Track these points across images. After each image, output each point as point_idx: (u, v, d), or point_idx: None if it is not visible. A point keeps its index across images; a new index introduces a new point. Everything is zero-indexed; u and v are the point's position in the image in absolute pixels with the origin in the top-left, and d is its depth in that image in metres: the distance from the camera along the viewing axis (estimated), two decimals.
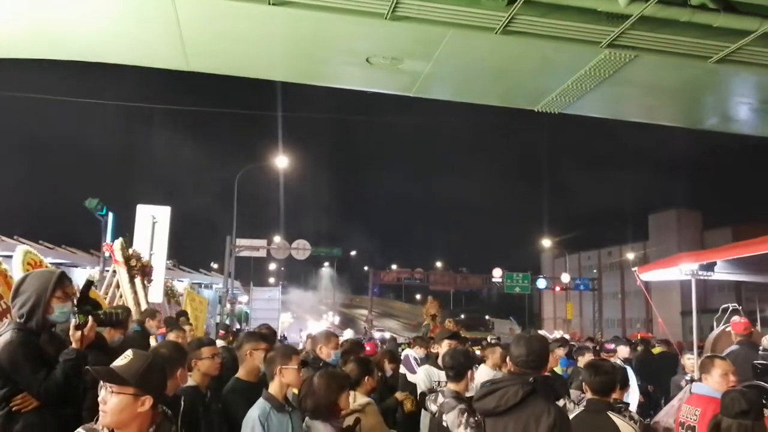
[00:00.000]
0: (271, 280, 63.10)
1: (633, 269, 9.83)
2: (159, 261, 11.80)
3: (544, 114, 9.88)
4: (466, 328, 30.70)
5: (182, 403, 4.09)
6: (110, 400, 2.61)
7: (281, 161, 31.10)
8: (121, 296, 10.06)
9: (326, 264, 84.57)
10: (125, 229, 12.42)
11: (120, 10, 7.43)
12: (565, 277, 47.49)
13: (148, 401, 2.67)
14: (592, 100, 9.33)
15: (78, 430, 2.74)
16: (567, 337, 31.29)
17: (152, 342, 7.14)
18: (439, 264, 65.75)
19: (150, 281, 10.61)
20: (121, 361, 2.68)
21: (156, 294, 11.76)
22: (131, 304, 9.51)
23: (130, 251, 10.37)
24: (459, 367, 5.15)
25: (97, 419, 2.72)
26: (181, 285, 22.85)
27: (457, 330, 10.97)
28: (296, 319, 55.91)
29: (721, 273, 8.79)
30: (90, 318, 3.91)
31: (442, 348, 6.45)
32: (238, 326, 27.17)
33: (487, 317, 50.61)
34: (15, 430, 3.64)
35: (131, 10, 7.45)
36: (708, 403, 4.71)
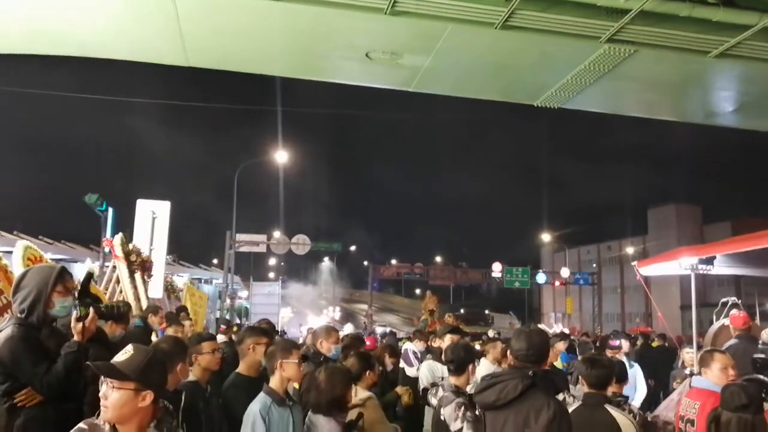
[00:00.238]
0: (271, 275, 63.05)
1: (633, 263, 9.84)
2: (159, 256, 11.81)
3: (543, 109, 9.88)
4: (466, 323, 30.63)
5: (183, 398, 4.10)
6: (111, 395, 2.62)
7: (281, 156, 31.07)
8: (121, 291, 10.07)
9: (326, 259, 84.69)
10: (125, 225, 12.42)
11: (119, 6, 7.43)
12: (565, 272, 47.47)
13: (149, 396, 2.68)
14: (592, 95, 9.33)
15: (79, 425, 2.75)
16: (566, 331, 31.37)
17: (153, 338, 7.16)
18: (438, 259, 65.75)
19: (150, 276, 10.62)
20: (121, 357, 2.69)
21: (156, 289, 11.77)
22: (131, 300, 9.52)
23: (130, 246, 10.37)
24: (459, 361, 5.17)
25: (98, 414, 2.73)
26: (180, 280, 22.88)
27: (458, 324, 10.97)
28: (296, 313, 56.04)
29: (721, 267, 8.81)
30: (91, 310, 3.93)
31: (444, 342, 6.46)
32: (238, 321, 27.17)
33: (486, 312, 50.61)
34: (17, 424, 3.66)
35: (130, 6, 7.45)
36: (707, 397, 4.72)
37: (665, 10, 6.97)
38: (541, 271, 50.74)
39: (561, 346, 8.25)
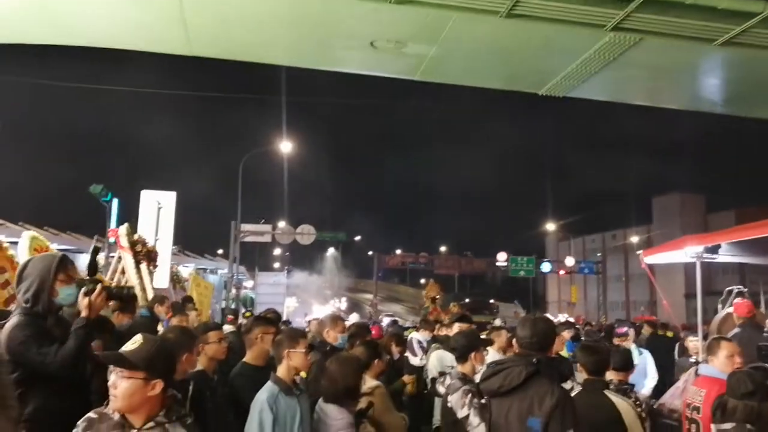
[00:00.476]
0: (276, 265, 63.13)
1: (638, 252, 9.85)
2: (164, 246, 11.84)
3: (548, 97, 9.85)
4: (471, 312, 30.62)
5: (190, 387, 4.13)
6: (121, 384, 2.64)
7: (285, 146, 31.07)
8: (126, 282, 10.11)
9: (331, 249, 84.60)
10: (130, 215, 12.44)
11: None
12: (570, 261, 47.49)
13: (158, 385, 2.69)
14: (597, 84, 9.30)
15: (89, 414, 2.77)
16: (572, 320, 31.38)
17: (160, 328, 7.19)
18: (443, 248, 65.78)
19: (155, 266, 10.64)
20: (130, 346, 2.71)
21: (161, 279, 11.80)
22: (137, 290, 9.54)
23: (136, 237, 10.39)
24: (461, 348, 5.23)
25: (107, 403, 2.75)
26: (186, 270, 22.93)
27: (464, 312, 11.00)
28: (301, 303, 56.11)
29: (726, 255, 8.81)
30: (99, 286, 3.98)
31: (453, 331, 6.48)
32: (244, 310, 27.26)
33: (492, 301, 50.56)
34: (26, 413, 3.68)
35: None
36: (713, 384, 4.74)
37: None
38: (546, 260, 50.76)
39: (566, 335, 8.26)
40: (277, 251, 64.36)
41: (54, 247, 8.54)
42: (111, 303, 4.30)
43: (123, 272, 10.17)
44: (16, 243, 7.88)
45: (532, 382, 3.52)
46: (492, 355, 7.08)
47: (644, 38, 7.65)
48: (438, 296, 26.95)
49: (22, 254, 7.13)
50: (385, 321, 31.36)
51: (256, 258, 53.25)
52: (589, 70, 8.61)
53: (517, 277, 47.67)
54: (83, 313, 3.90)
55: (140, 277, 10.00)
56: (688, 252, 8.56)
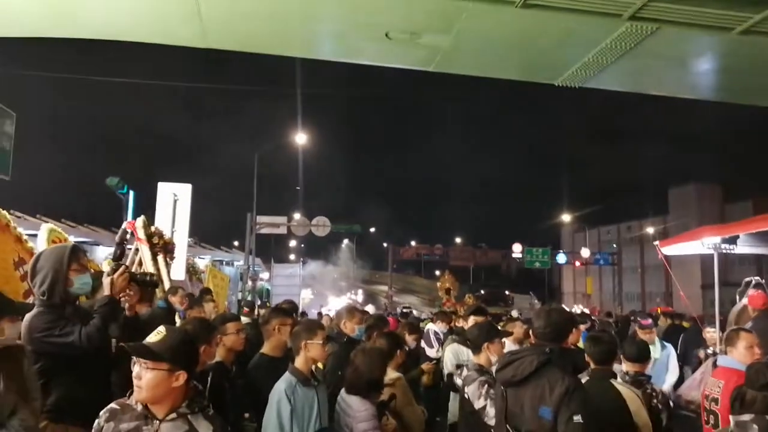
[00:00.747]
0: (292, 256, 63.38)
1: (654, 243, 9.81)
2: (181, 238, 11.89)
3: (564, 88, 9.79)
4: (486, 304, 30.64)
5: (209, 378, 4.17)
6: (145, 375, 2.66)
7: (300, 138, 31.11)
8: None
9: (346, 240, 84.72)
10: (146, 207, 12.50)
11: None
12: (585, 252, 47.36)
13: (182, 376, 2.72)
14: (613, 74, 9.21)
15: (111, 405, 2.80)
16: (587, 311, 31.28)
17: (177, 320, 7.23)
18: (458, 240, 65.59)
19: (172, 258, 10.69)
20: (154, 337, 2.73)
21: (178, 271, 11.86)
22: None
23: (152, 229, 10.44)
24: (475, 340, 5.26)
25: (130, 394, 2.78)
26: (202, 262, 23.05)
27: (479, 304, 11.02)
28: (316, 295, 56.27)
29: (744, 246, 8.75)
30: (122, 267, 4.03)
31: (468, 323, 6.47)
32: (259, 302, 27.37)
33: (507, 292, 50.51)
34: (49, 402, 3.73)
35: None
36: (731, 375, 4.73)
37: None
38: (561, 251, 50.61)
39: (583, 327, 8.25)
40: (293, 243, 64.64)
41: (71, 239, 8.59)
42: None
43: (140, 264, 10.24)
44: (34, 235, 7.95)
45: (545, 371, 3.59)
46: (508, 346, 7.09)
47: (662, 27, 7.56)
48: (452, 288, 26.93)
49: (41, 246, 7.18)
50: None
51: (271, 250, 53.54)
52: (606, 60, 8.53)
53: (532, 268, 47.60)
54: (105, 292, 3.96)
55: (157, 269, 10.04)
56: (705, 243, 8.52)
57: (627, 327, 14.17)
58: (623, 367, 5.21)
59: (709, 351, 7.89)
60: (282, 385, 4.07)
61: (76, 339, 3.74)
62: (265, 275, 42.64)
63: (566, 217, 61.52)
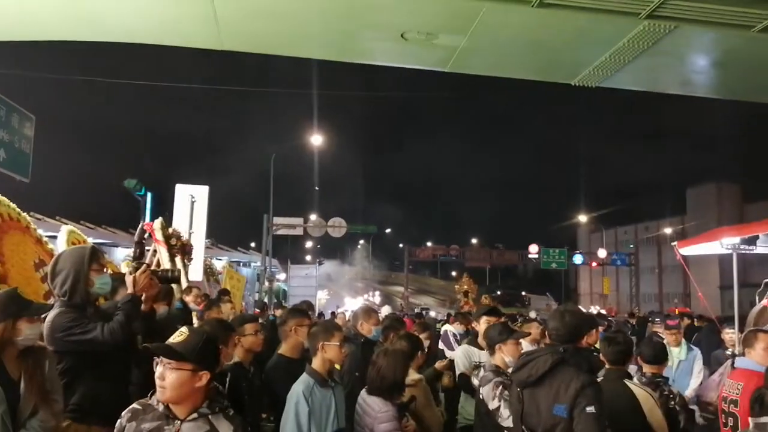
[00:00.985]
0: (308, 257, 63.54)
1: (673, 244, 9.73)
2: (198, 239, 11.95)
3: (581, 87, 9.74)
4: (503, 304, 30.56)
5: (227, 379, 4.19)
6: (169, 375, 2.68)
7: (316, 140, 31.19)
8: None
9: (362, 241, 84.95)
10: (163, 209, 12.57)
11: None
12: (602, 253, 47.09)
13: (205, 376, 2.74)
14: (631, 73, 9.15)
15: (133, 405, 2.82)
16: (604, 312, 31.11)
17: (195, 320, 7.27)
18: (474, 240, 65.66)
19: (190, 260, 10.75)
20: (177, 338, 2.75)
21: (196, 272, 11.92)
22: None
23: (170, 230, 10.50)
24: (489, 341, 5.27)
25: (151, 394, 2.80)
26: (219, 263, 23.17)
27: (494, 305, 10.99)
28: (332, 296, 56.35)
29: (764, 247, 8.66)
30: (144, 265, 4.07)
31: (480, 325, 6.44)
32: (276, 301, 27.43)
33: (523, 293, 50.39)
34: (72, 402, 3.77)
35: None
36: (750, 377, 4.69)
37: None
38: (577, 251, 50.36)
39: (601, 328, 8.20)
40: (309, 244, 64.77)
41: (90, 240, 8.67)
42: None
43: (158, 265, 10.30)
44: (54, 237, 8.03)
45: (559, 371, 3.62)
46: (525, 347, 7.06)
47: (679, 26, 7.50)
48: (470, 290, 26.92)
49: (60, 248, 7.24)
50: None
51: (288, 251, 53.70)
52: (623, 60, 8.48)
53: (549, 269, 47.38)
54: (128, 290, 4.00)
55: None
56: (724, 243, 8.45)
57: (644, 328, 14.08)
58: (644, 368, 5.19)
59: (728, 352, 7.80)
60: (300, 386, 4.08)
61: (99, 334, 3.77)
62: (281, 276, 42.76)
63: (583, 218, 61.21)
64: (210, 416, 2.77)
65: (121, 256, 23.37)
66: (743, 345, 5.11)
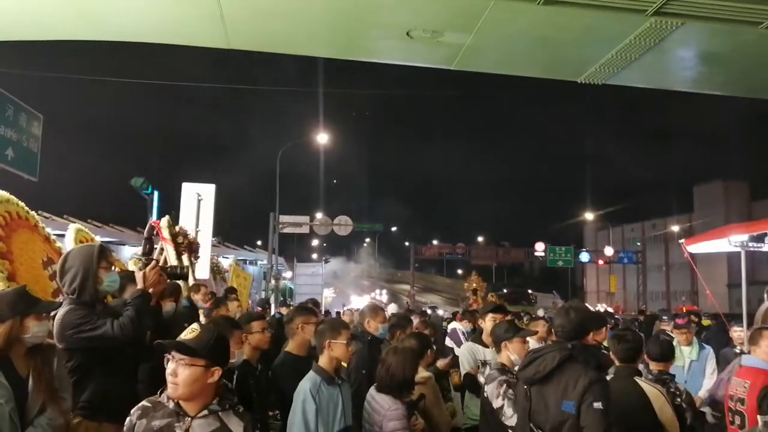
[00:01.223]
0: (314, 255, 63.61)
1: (680, 241, 9.70)
2: (205, 238, 11.95)
3: (587, 85, 9.72)
4: (509, 302, 30.54)
5: (235, 376, 4.20)
6: (182, 372, 2.69)
7: (322, 138, 31.23)
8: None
9: (368, 239, 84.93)
10: (170, 207, 12.57)
11: None
12: (609, 251, 46.98)
13: (217, 372, 2.75)
14: (637, 70, 9.13)
15: (142, 402, 2.83)
16: (611, 310, 31.07)
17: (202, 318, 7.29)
18: (480, 238, 65.34)
19: (197, 258, 10.75)
20: (190, 334, 2.76)
21: (203, 270, 11.93)
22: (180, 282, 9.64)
23: (177, 228, 10.51)
24: (495, 338, 5.27)
25: (161, 392, 2.81)
26: (226, 262, 23.19)
27: (501, 303, 10.97)
28: (338, 294, 56.38)
29: None
30: (153, 261, 4.09)
31: (486, 322, 6.43)
32: (282, 299, 27.47)
33: (530, 291, 50.26)
34: (83, 399, 3.79)
35: None
36: (757, 375, 4.68)
37: None
38: (584, 249, 50.28)
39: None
40: (315, 242, 64.86)
41: (98, 239, 8.70)
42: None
43: (165, 263, 10.31)
44: (62, 235, 8.06)
45: (567, 367, 3.63)
46: (532, 345, 7.05)
47: (686, 22, 7.48)
48: (479, 288, 26.93)
49: (68, 246, 7.26)
50: (428, 312, 31.43)
51: (294, 249, 53.77)
52: (629, 57, 8.46)
53: (555, 267, 47.29)
54: (138, 286, 4.02)
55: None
56: (732, 241, 8.42)
57: (651, 325, 14.04)
58: (650, 365, 5.18)
59: (736, 350, 7.76)
60: (307, 384, 4.09)
61: (109, 329, 3.79)
62: (288, 274, 42.81)
63: (589, 216, 61.14)
64: (220, 413, 2.78)
65: (128, 254, 23.43)
66: (749, 343, 5.10)
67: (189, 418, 2.72)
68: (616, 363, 4.63)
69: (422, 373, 5.12)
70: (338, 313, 20.78)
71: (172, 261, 10.00)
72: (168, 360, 2.73)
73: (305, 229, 35.46)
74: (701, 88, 10.74)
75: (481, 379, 5.31)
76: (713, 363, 7.67)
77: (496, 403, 4.70)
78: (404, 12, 7.69)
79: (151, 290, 4.12)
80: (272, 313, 15.78)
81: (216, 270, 15.73)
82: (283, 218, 32.92)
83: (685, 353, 7.51)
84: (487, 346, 6.10)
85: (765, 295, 8.65)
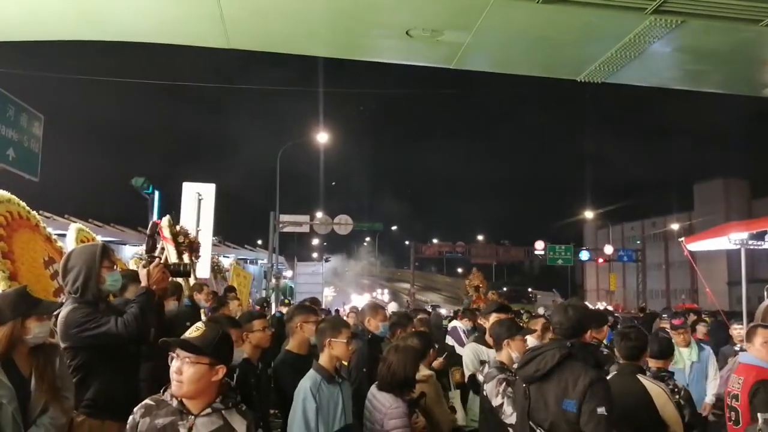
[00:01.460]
0: (314, 254, 63.64)
1: (680, 240, 9.73)
2: (206, 237, 11.96)
3: (587, 83, 9.72)
4: (509, 301, 30.57)
5: (235, 375, 4.21)
6: (187, 370, 2.69)
7: (322, 137, 31.25)
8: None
9: (368, 238, 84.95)
10: (171, 207, 12.58)
11: None
12: (608, 249, 46.99)
13: (221, 370, 2.77)
14: (637, 69, 9.12)
15: (146, 401, 2.83)
16: (610, 308, 31.07)
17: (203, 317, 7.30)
18: (480, 237, 65.40)
19: (198, 257, 10.76)
20: (194, 332, 2.77)
21: (203, 269, 11.94)
22: (181, 280, 9.65)
23: (178, 228, 10.52)
24: (496, 337, 5.29)
25: (164, 390, 2.82)
26: (227, 261, 23.22)
27: (503, 302, 11.00)
28: (338, 293, 56.41)
29: None
30: (157, 259, 4.11)
31: (490, 322, 6.44)
32: (283, 298, 27.49)
33: (529, 290, 50.31)
34: (86, 397, 3.80)
35: None
36: (749, 371, 4.75)
37: None
38: (584, 248, 50.27)
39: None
40: (315, 241, 64.85)
41: (99, 238, 8.71)
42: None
43: (167, 262, 10.30)
44: (63, 235, 8.07)
45: (566, 365, 3.64)
46: (531, 342, 7.06)
47: (686, 21, 7.47)
48: (481, 285, 26.95)
49: (69, 246, 7.28)
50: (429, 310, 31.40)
51: (294, 248, 53.81)
52: (629, 55, 8.45)
53: (555, 265, 47.31)
54: (142, 283, 4.03)
55: None
56: (732, 239, 8.44)
57: (651, 323, 14.06)
58: (649, 363, 5.20)
59: (736, 348, 7.78)
60: (307, 382, 4.10)
61: (113, 326, 3.80)
62: (288, 273, 42.84)
63: (589, 214, 61.10)
64: (223, 411, 2.78)
65: (129, 253, 23.43)
66: (745, 340, 5.16)
67: (192, 417, 2.72)
68: (620, 360, 4.64)
69: (424, 371, 5.14)
70: (337, 311, 20.82)
71: (173, 260, 10.01)
72: (172, 358, 2.74)
73: (305, 229, 35.48)
74: (701, 86, 10.74)
75: (480, 378, 5.32)
76: (715, 364, 7.56)
77: (496, 402, 4.71)
78: (404, 11, 7.69)
79: (155, 287, 4.14)
80: (273, 311, 15.80)
81: (217, 269, 15.76)
82: (284, 217, 32.94)
83: (685, 355, 7.38)
84: (490, 347, 6.10)
85: (765, 293, 8.68)
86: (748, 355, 4.99)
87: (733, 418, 4.78)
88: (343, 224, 35.22)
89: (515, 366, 4.93)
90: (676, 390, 4.85)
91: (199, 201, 12.10)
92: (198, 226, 11.79)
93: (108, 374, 3.85)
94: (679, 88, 11.16)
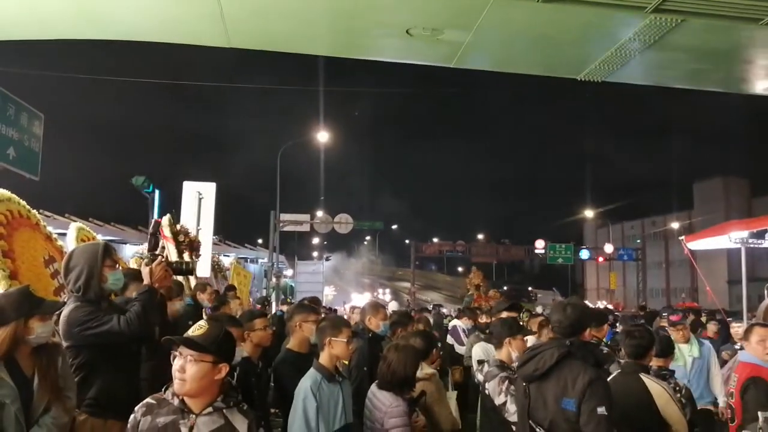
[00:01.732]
0: (315, 253, 63.64)
1: (680, 238, 9.74)
2: (206, 236, 11.96)
3: (587, 82, 9.72)
4: (509, 300, 30.59)
5: (236, 374, 4.21)
6: (190, 368, 2.69)
7: (322, 136, 31.25)
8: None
9: (368, 237, 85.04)
10: (171, 206, 12.58)
11: None
12: (609, 248, 47.01)
13: (224, 368, 2.77)
14: (637, 68, 9.12)
15: (147, 399, 2.84)
16: (610, 307, 31.06)
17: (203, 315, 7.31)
18: (480, 236, 65.37)
19: (198, 256, 10.77)
20: (197, 330, 2.77)
21: (204, 268, 11.95)
22: (181, 279, 9.65)
23: (178, 227, 10.52)
24: (497, 335, 5.30)
25: (165, 389, 2.82)
26: (227, 260, 23.22)
27: (514, 301, 11.01)
28: (339, 291, 56.42)
29: None
30: (159, 257, 4.11)
31: None
32: (284, 297, 27.49)
33: (530, 288, 50.35)
34: (89, 396, 3.80)
35: None
36: (743, 369, 4.81)
37: None
38: (584, 247, 50.28)
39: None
40: (315, 240, 64.85)
41: (99, 237, 8.71)
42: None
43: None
44: (63, 234, 8.07)
45: (566, 364, 3.64)
46: (530, 341, 7.06)
47: (686, 19, 7.47)
48: (482, 284, 27.00)
49: (70, 245, 7.28)
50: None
51: (294, 247, 53.83)
52: (629, 54, 8.45)
53: (555, 264, 47.34)
54: (145, 281, 4.03)
55: None
56: (732, 237, 8.44)
57: (651, 322, 14.07)
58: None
59: (736, 346, 7.78)
60: (307, 381, 4.10)
61: (115, 325, 3.80)
62: (288, 272, 42.84)
63: (589, 213, 61.07)
64: (225, 410, 2.79)
65: (129, 253, 23.46)
66: (743, 339, 5.20)
67: (194, 415, 2.72)
68: (624, 358, 4.66)
69: (426, 370, 5.14)
70: (335, 310, 20.84)
71: (174, 259, 10.02)
72: (175, 356, 2.74)
73: (306, 228, 35.50)
74: (701, 85, 10.73)
75: (479, 377, 5.33)
76: (716, 361, 7.45)
77: (499, 400, 4.72)
78: (404, 10, 7.69)
79: (157, 286, 4.14)
80: (273, 310, 15.82)
81: (217, 268, 15.76)
82: (284, 216, 32.94)
83: (685, 351, 7.25)
84: None
85: (765, 292, 8.69)
86: (745, 353, 5.03)
87: (729, 415, 4.83)
88: (344, 223, 35.24)
89: (515, 364, 4.95)
90: (677, 388, 4.86)
91: (199, 200, 12.10)
92: (198, 225, 11.79)
93: (110, 373, 3.85)
94: (679, 87, 11.15)
